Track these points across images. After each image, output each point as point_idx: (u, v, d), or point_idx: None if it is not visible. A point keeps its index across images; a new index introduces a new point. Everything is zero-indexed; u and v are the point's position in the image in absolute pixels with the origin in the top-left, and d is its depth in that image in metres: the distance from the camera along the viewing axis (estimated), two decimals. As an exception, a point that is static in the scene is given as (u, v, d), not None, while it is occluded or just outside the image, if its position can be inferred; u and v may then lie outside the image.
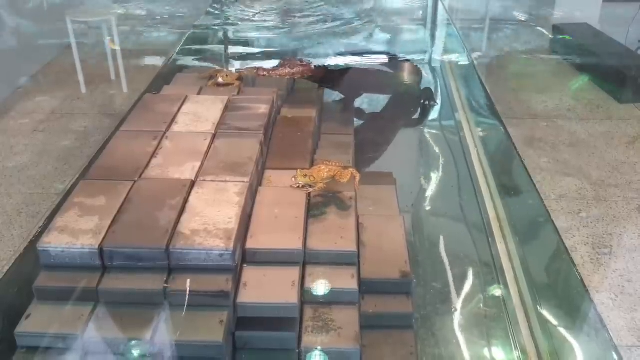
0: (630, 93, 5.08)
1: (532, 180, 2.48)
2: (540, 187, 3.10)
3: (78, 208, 1.71)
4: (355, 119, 2.79)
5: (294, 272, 1.63)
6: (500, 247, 2.11)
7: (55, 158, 4.14)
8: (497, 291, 1.92)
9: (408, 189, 2.35)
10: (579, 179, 3.87)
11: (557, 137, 4.43)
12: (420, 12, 5.06)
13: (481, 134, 2.89)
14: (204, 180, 1.85)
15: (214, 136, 2.12)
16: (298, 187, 1.91)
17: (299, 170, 1.94)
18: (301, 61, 3.10)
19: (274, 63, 3.08)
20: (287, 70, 2.91)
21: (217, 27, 4.53)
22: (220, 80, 2.75)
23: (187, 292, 1.52)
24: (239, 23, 4.56)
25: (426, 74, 3.50)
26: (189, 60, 3.61)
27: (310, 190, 1.90)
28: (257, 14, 4.68)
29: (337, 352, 1.53)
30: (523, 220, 2.33)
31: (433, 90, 3.29)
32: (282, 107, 2.61)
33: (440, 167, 2.62)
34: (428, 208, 2.35)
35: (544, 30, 6.39)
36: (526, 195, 2.43)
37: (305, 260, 1.70)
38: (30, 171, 3.99)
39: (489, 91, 3.28)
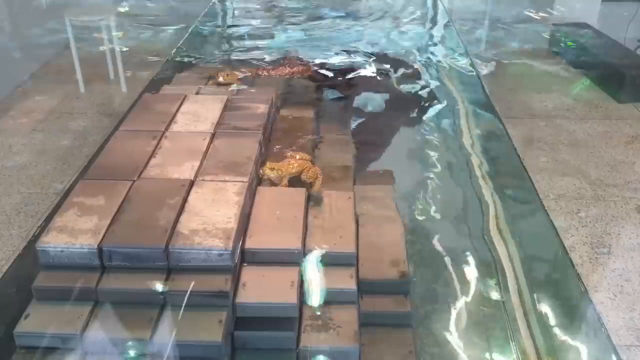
0: (629, 92, 5.08)
1: (531, 179, 2.48)
2: (539, 187, 3.10)
3: (77, 208, 1.71)
4: (354, 119, 2.79)
5: (293, 272, 1.63)
6: (499, 246, 2.12)
7: (54, 158, 4.13)
8: (496, 290, 1.92)
9: (406, 188, 2.35)
10: (577, 179, 3.87)
11: (556, 137, 4.42)
12: (419, 12, 5.06)
13: (480, 133, 2.90)
14: (203, 180, 1.85)
15: (213, 136, 2.12)
16: (262, 178, 1.94)
17: (268, 162, 1.94)
18: (301, 60, 3.10)
19: (274, 62, 3.09)
20: (287, 69, 2.92)
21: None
22: (220, 79, 2.75)
23: (186, 292, 1.52)
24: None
25: (425, 74, 3.50)
26: (188, 60, 3.61)
27: (277, 186, 1.92)
28: None
29: (337, 351, 1.53)
30: (522, 219, 2.33)
31: (432, 90, 3.29)
32: (282, 106, 2.61)
33: (439, 167, 2.62)
34: (426, 208, 2.35)
35: (542, 30, 6.39)
36: (525, 195, 2.44)
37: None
38: (29, 171, 3.98)
39: (487, 91, 3.28)
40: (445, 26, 4.63)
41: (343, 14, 4.73)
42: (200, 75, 2.96)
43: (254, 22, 4.62)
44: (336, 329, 1.56)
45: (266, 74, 2.91)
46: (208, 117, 2.23)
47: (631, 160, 4.14)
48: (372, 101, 3.14)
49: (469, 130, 2.90)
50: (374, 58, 3.61)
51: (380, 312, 1.68)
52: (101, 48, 5.43)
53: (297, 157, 2.04)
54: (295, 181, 1.97)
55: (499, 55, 5.74)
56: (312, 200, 1.91)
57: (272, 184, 1.94)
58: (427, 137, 2.84)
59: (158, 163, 1.93)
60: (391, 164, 2.48)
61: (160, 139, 2.08)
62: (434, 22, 4.79)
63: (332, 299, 1.64)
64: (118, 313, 1.51)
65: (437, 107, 3.15)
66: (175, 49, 3.84)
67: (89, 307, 1.52)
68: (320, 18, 4.64)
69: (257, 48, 3.87)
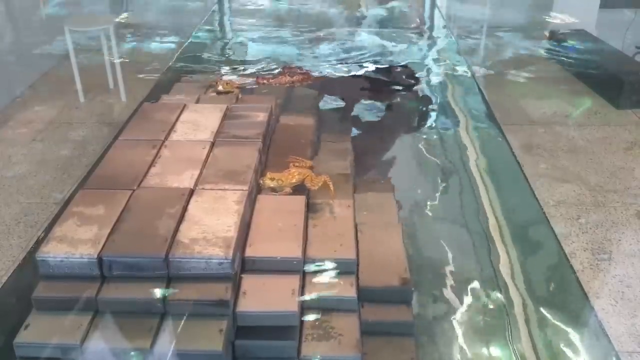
0: (627, 99, 5.10)
1: (530, 186, 2.49)
2: (539, 194, 3.10)
3: (77, 217, 1.70)
4: (354, 127, 2.80)
5: (293, 281, 1.63)
6: (500, 253, 2.11)
7: (54, 167, 4.13)
8: (497, 298, 1.92)
9: (407, 195, 2.35)
10: (577, 185, 3.87)
11: (555, 143, 4.43)
12: (418, 19, 5.09)
13: (480, 140, 2.90)
14: (203, 189, 1.85)
15: (212, 144, 2.12)
16: (263, 188, 1.93)
17: (268, 173, 1.94)
18: (300, 69, 3.11)
19: (273, 71, 3.10)
20: (287, 78, 2.93)
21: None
22: (219, 88, 2.76)
23: (187, 301, 1.52)
24: None
25: (424, 82, 3.51)
26: (187, 69, 3.61)
27: (276, 194, 1.91)
28: None
29: (338, 360, 1.52)
30: (522, 226, 2.33)
31: (431, 97, 3.30)
32: (281, 115, 2.61)
33: (439, 174, 2.62)
34: (427, 215, 2.35)
35: (540, 37, 6.41)
36: (525, 202, 2.44)
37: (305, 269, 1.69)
38: (29, 181, 3.98)
39: (486, 98, 3.29)
40: (444, 34, 4.64)
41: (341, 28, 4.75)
42: (200, 84, 2.96)
43: (253, 31, 4.63)
44: (337, 338, 1.55)
45: (266, 82, 2.92)
46: (207, 126, 2.23)
47: (630, 166, 4.15)
48: (372, 109, 3.15)
49: (468, 136, 2.90)
50: (374, 67, 3.62)
51: (382, 320, 1.67)
52: (100, 58, 5.44)
53: (296, 164, 2.05)
54: (299, 189, 1.96)
55: (497, 63, 5.76)
56: (312, 208, 1.91)
57: (274, 192, 1.94)
58: (426, 144, 2.84)
59: (158, 172, 1.93)
60: (391, 172, 2.49)
61: (159, 148, 2.08)
62: (432, 29, 4.81)
63: (333, 307, 1.63)
64: (118, 323, 1.51)
65: (436, 115, 3.15)
66: (174, 58, 3.85)
67: (89, 317, 1.52)
68: (320, 29, 4.65)
69: (257, 57, 3.88)
